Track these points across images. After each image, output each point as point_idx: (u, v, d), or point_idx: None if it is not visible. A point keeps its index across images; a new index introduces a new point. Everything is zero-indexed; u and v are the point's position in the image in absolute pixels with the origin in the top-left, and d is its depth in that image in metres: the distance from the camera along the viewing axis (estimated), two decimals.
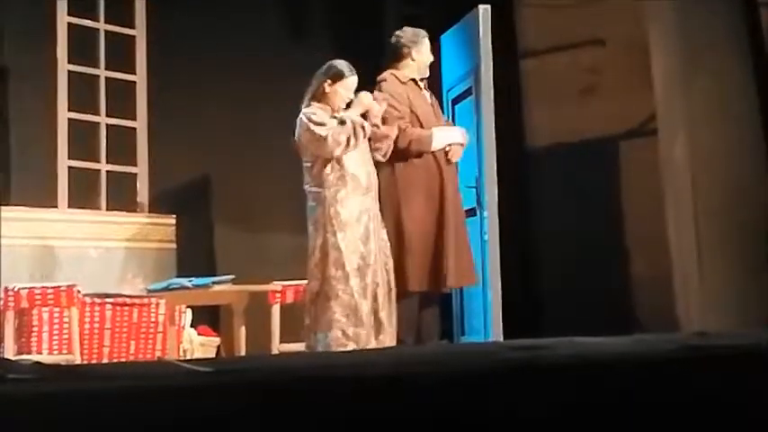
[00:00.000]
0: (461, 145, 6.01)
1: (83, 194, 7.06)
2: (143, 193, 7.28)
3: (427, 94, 6.13)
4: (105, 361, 6.29)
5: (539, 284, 7.55)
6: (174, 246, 7.16)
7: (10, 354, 5.64)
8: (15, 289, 5.79)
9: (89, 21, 7.17)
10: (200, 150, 7.39)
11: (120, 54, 7.28)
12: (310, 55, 7.46)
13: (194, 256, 7.32)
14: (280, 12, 7.98)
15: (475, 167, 6.63)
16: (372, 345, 5.38)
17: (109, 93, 7.21)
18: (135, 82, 7.33)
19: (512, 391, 2.34)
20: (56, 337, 6.16)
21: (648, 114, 6.57)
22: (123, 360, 6.33)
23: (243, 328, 6.00)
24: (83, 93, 7.10)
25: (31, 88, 6.96)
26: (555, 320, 7.09)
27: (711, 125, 5.48)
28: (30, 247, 6.61)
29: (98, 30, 7.22)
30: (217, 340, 6.98)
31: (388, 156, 5.74)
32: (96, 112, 7.17)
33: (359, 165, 5.55)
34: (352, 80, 5.59)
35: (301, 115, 5.56)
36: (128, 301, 6.53)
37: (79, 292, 5.91)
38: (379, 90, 5.87)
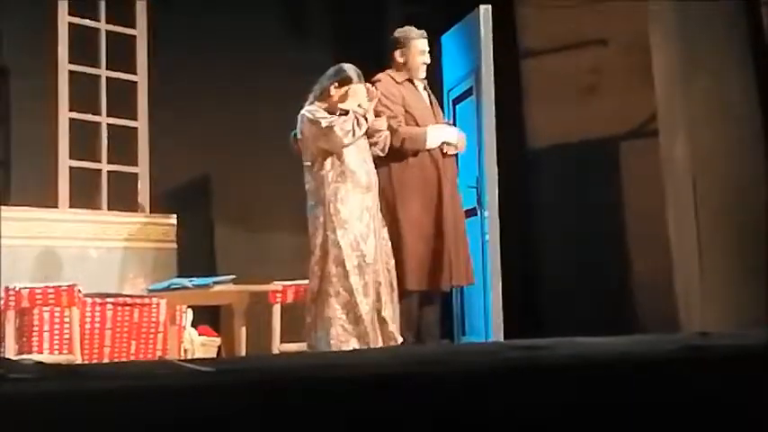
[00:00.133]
0: (455, 146, 6.01)
1: (84, 194, 7.06)
2: (144, 193, 7.29)
3: (425, 94, 6.13)
4: (106, 361, 6.29)
5: (539, 284, 7.54)
6: (174, 246, 7.16)
7: (11, 353, 5.64)
8: (16, 289, 5.79)
9: (90, 21, 7.17)
10: (200, 150, 7.40)
11: (121, 54, 7.28)
12: (311, 55, 7.49)
13: (195, 256, 7.33)
14: (280, 12, 7.98)
15: (475, 168, 6.63)
16: (374, 343, 5.39)
17: (110, 93, 7.21)
18: (136, 82, 7.34)
19: (512, 391, 2.34)
20: (56, 337, 6.16)
21: (649, 115, 6.57)
22: (124, 360, 6.33)
23: (243, 328, 6.01)
24: (84, 93, 7.10)
25: (31, 88, 6.96)
26: (555, 320, 7.09)
27: (712, 125, 5.47)
28: (30, 247, 6.61)
29: (99, 30, 7.22)
30: (217, 340, 6.99)
31: (386, 150, 5.75)
32: (97, 112, 7.17)
33: (358, 163, 5.57)
34: (359, 87, 5.61)
35: (304, 111, 5.59)
36: (128, 300, 6.53)
37: (80, 291, 5.91)
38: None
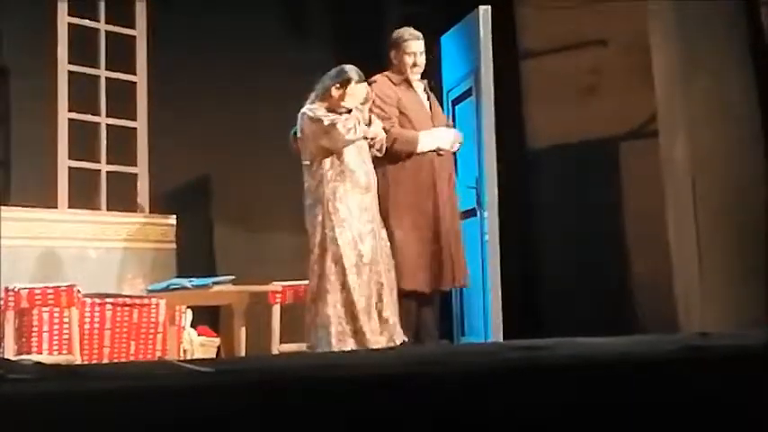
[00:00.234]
0: (449, 149, 6.02)
1: (83, 194, 7.06)
2: (143, 193, 7.28)
3: (424, 95, 6.13)
4: (105, 361, 6.29)
5: (539, 285, 7.54)
6: (173, 246, 7.16)
7: (10, 354, 5.64)
8: (15, 289, 5.79)
9: (90, 21, 7.17)
10: (200, 150, 7.40)
11: (121, 54, 7.28)
12: (310, 55, 7.49)
13: (194, 257, 7.32)
14: (280, 12, 7.98)
15: (475, 168, 6.63)
16: (374, 342, 5.39)
17: (109, 93, 7.21)
18: (135, 82, 7.33)
19: (512, 392, 2.34)
20: (56, 338, 6.16)
21: (649, 115, 6.57)
22: (123, 360, 6.33)
23: (243, 329, 6.01)
24: (83, 93, 7.10)
25: (31, 88, 6.96)
26: (555, 321, 7.09)
27: (712, 126, 5.48)
28: (30, 248, 6.61)
29: (98, 30, 7.22)
30: (217, 341, 6.98)
31: (383, 151, 5.76)
32: (96, 113, 7.16)
33: (358, 163, 5.59)
34: (360, 88, 5.63)
35: (305, 110, 5.61)
36: (128, 301, 6.53)
37: (79, 292, 5.91)
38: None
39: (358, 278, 5.45)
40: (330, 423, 2.16)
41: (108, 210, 7.11)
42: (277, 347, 6.08)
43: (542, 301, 7.48)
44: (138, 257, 7.02)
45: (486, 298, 6.49)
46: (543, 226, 7.58)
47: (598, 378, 2.46)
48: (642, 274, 7.01)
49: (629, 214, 7.21)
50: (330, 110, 5.60)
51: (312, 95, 5.68)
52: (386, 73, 6.06)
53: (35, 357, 5.50)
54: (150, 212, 7.23)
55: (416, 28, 6.16)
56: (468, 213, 6.63)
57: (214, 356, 6.77)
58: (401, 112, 5.96)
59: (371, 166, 5.68)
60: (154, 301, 6.50)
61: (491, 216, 6.48)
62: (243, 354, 5.97)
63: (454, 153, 6.19)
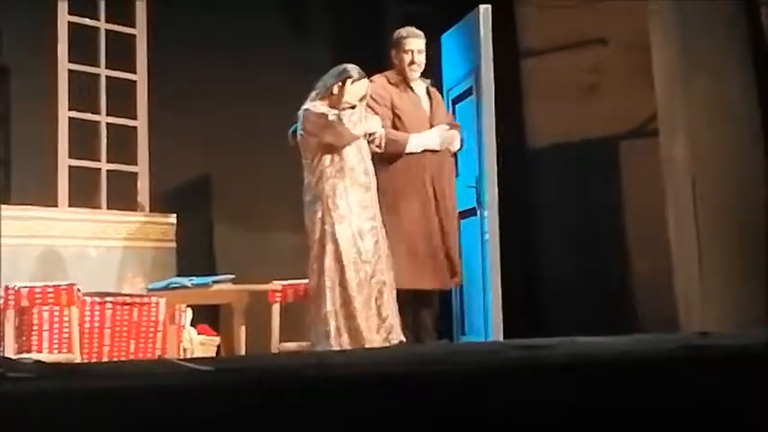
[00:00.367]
0: (440, 149, 6.02)
1: (83, 193, 7.06)
2: (143, 192, 7.28)
3: (424, 95, 6.13)
4: (105, 360, 6.29)
5: (539, 284, 7.55)
6: (174, 245, 7.16)
7: (10, 352, 5.64)
8: (15, 288, 5.79)
9: (90, 20, 7.17)
10: (200, 149, 7.40)
11: (121, 53, 7.28)
12: (311, 54, 7.49)
13: (194, 256, 7.32)
14: (280, 10, 7.98)
15: (475, 167, 6.63)
16: (370, 340, 5.39)
17: (109, 92, 7.21)
18: (135, 81, 7.33)
19: (512, 391, 2.34)
20: (56, 336, 6.16)
21: (649, 114, 6.57)
22: (123, 359, 6.33)
23: (243, 328, 6.01)
24: (83, 92, 7.09)
25: (31, 87, 6.95)
26: (555, 320, 7.09)
27: (712, 125, 5.48)
28: (30, 246, 6.60)
29: (99, 29, 7.22)
30: (217, 339, 6.98)
31: (382, 147, 5.76)
32: (97, 111, 7.16)
33: (357, 161, 5.60)
34: (360, 85, 5.64)
35: (307, 106, 5.61)
36: (128, 300, 6.52)
37: (79, 290, 5.90)
38: None
39: (356, 275, 5.45)
40: (330, 422, 2.16)
41: (108, 208, 7.11)
42: (277, 346, 6.08)
43: (542, 300, 7.48)
44: (139, 256, 7.02)
45: (486, 297, 6.49)
46: (543, 225, 7.58)
47: (598, 377, 2.46)
48: (642, 274, 7.01)
49: (629, 213, 7.22)
50: (332, 107, 5.61)
51: (313, 94, 5.69)
52: (385, 73, 6.09)
53: (35, 356, 5.50)
54: (150, 211, 7.23)
55: (417, 27, 6.18)
56: (469, 212, 6.63)
57: (214, 355, 6.77)
58: (394, 113, 5.99)
59: (371, 164, 5.69)
60: (154, 299, 6.50)
61: (491, 215, 6.48)
62: (243, 353, 5.97)
63: (455, 153, 6.19)
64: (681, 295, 5.68)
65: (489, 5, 6.63)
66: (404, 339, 5.58)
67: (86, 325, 6.28)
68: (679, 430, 2.38)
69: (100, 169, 7.15)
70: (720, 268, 5.41)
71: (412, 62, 6.06)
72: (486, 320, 6.50)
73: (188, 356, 6.40)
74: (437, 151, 6.00)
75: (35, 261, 6.60)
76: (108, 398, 2.15)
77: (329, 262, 5.45)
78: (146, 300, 6.53)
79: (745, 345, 3.02)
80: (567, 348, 3.30)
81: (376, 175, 5.80)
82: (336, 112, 5.55)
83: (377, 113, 5.87)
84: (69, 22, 7.03)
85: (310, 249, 5.54)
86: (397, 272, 5.71)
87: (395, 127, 5.96)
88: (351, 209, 5.52)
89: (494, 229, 6.48)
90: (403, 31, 6.12)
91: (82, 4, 7.11)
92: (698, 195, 5.49)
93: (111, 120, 7.20)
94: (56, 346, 6.15)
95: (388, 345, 5.42)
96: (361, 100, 5.70)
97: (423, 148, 5.96)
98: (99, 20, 7.22)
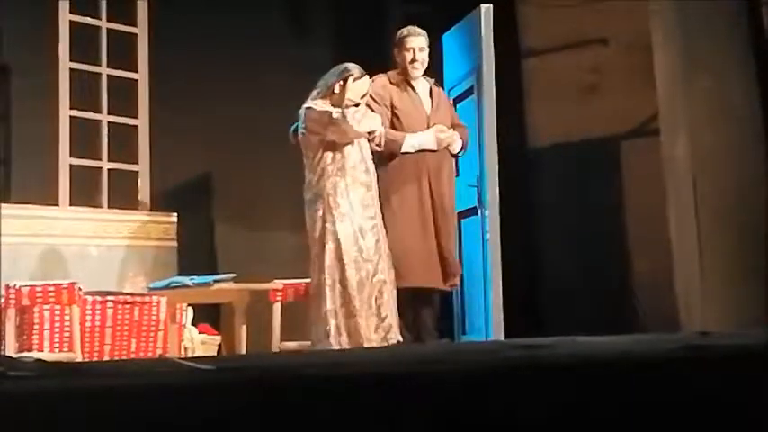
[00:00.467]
0: (437, 150, 6.02)
1: (84, 192, 7.06)
2: (144, 190, 7.29)
3: (425, 95, 6.13)
4: (106, 359, 6.29)
5: (540, 283, 7.55)
6: (175, 244, 7.16)
7: (11, 351, 5.64)
8: (16, 286, 5.79)
9: (91, 19, 7.17)
10: (201, 148, 7.40)
11: (122, 52, 7.28)
12: (312, 53, 7.49)
13: (195, 254, 7.33)
14: (281, 9, 7.98)
15: (476, 166, 6.63)
16: (367, 340, 5.39)
17: (110, 90, 7.21)
18: (137, 80, 7.34)
19: (512, 390, 2.34)
20: (57, 335, 6.16)
21: (650, 114, 6.57)
22: (124, 358, 6.33)
23: (244, 327, 6.01)
24: (84, 90, 7.10)
25: (32, 86, 6.96)
26: (556, 319, 7.09)
27: (713, 125, 5.48)
28: (31, 245, 6.61)
29: (100, 28, 7.22)
30: (218, 338, 6.99)
31: (382, 146, 5.76)
32: (98, 110, 7.17)
33: (358, 159, 5.60)
34: (361, 84, 5.64)
35: (310, 104, 5.61)
36: (129, 299, 6.53)
37: (80, 289, 5.91)
38: None
39: (357, 274, 5.45)
40: (331, 421, 2.16)
41: (109, 207, 7.12)
42: (278, 345, 6.08)
43: (543, 299, 7.48)
44: (140, 255, 7.02)
45: (487, 296, 6.49)
46: (544, 225, 7.58)
47: (598, 377, 2.46)
48: (643, 273, 7.01)
49: (630, 213, 7.22)
50: (334, 106, 5.61)
51: (314, 92, 5.69)
52: (388, 73, 6.11)
53: (36, 355, 5.51)
54: (151, 210, 7.23)
55: (418, 26, 6.18)
56: (470, 212, 6.64)
57: (215, 354, 6.77)
58: (393, 113, 6.00)
59: (372, 163, 5.69)
60: (155, 298, 6.51)
61: (492, 215, 6.48)
62: (244, 351, 5.97)
63: (457, 154, 6.19)
64: (681, 295, 5.68)
65: (490, 5, 6.63)
66: (401, 339, 5.58)
67: (87, 324, 6.28)
68: (679, 430, 2.38)
69: (101, 168, 7.15)
70: (721, 268, 5.41)
71: (413, 60, 6.07)
72: (486, 320, 6.50)
73: (189, 355, 6.40)
74: (435, 151, 6.00)
75: (36, 260, 6.61)
76: (109, 397, 2.15)
77: (330, 260, 5.45)
78: (147, 299, 6.53)
79: (745, 344, 3.03)
80: (567, 348, 3.30)
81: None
82: (340, 109, 5.55)
83: (374, 112, 5.87)
84: (71, 21, 7.03)
85: (311, 248, 5.54)
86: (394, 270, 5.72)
87: (393, 127, 5.98)
88: (352, 207, 5.52)
89: (495, 229, 6.48)
90: (405, 30, 6.15)
91: (83, 3, 7.11)
92: (699, 195, 5.49)
93: (113, 119, 7.20)
94: (57, 344, 6.15)
95: (386, 344, 5.42)
96: (362, 98, 5.71)
97: (418, 149, 5.97)
98: (100, 19, 7.22)
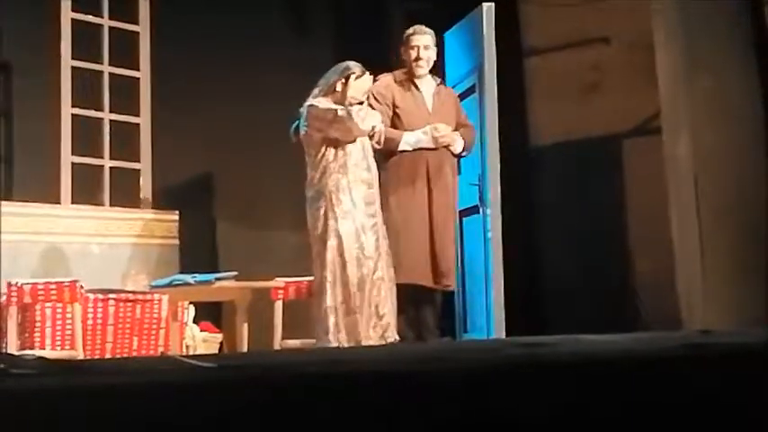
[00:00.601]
0: (434, 149, 6.02)
1: (86, 190, 7.06)
2: (146, 189, 7.29)
3: (426, 94, 6.13)
4: (108, 357, 6.30)
5: (541, 282, 7.54)
6: (176, 242, 7.17)
7: (13, 349, 5.65)
8: (18, 284, 5.79)
9: (93, 17, 7.18)
10: (203, 146, 7.40)
11: (124, 50, 7.28)
12: (313, 51, 7.49)
13: (197, 253, 7.33)
14: (283, 8, 7.98)
15: (478, 165, 6.63)
16: (365, 338, 5.40)
17: (112, 89, 7.22)
18: (138, 78, 7.34)
19: (513, 389, 2.34)
20: (59, 333, 6.17)
21: (652, 113, 6.57)
22: (126, 356, 6.34)
23: (245, 325, 6.01)
24: (86, 89, 7.10)
25: (34, 84, 6.96)
26: (557, 318, 7.09)
27: (715, 124, 5.48)
28: (33, 243, 6.61)
29: (102, 26, 7.23)
30: (219, 336, 6.99)
31: (381, 143, 5.77)
32: (100, 108, 7.17)
33: (360, 157, 5.60)
34: (362, 82, 5.64)
35: (313, 102, 5.60)
36: (131, 296, 6.53)
37: (82, 287, 5.91)
38: None
39: (358, 271, 5.45)
40: (332, 419, 2.17)
41: (111, 205, 7.12)
42: (279, 343, 6.08)
43: (544, 298, 7.48)
44: (141, 253, 7.02)
45: (488, 295, 6.50)
46: (546, 223, 7.58)
47: (599, 375, 2.46)
48: (644, 272, 7.01)
49: (631, 212, 7.21)
50: (337, 104, 5.61)
51: (316, 90, 5.69)
52: (394, 72, 6.14)
53: (38, 352, 5.51)
54: (153, 208, 7.23)
55: (419, 25, 6.18)
56: (471, 210, 6.64)
57: (216, 352, 6.78)
58: (394, 112, 6.01)
59: (373, 161, 5.70)
60: (156, 296, 6.51)
61: (494, 213, 6.49)
62: (245, 350, 5.97)
63: (460, 155, 6.19)
64: (683, 294, 5.68)
65: (492, 3, 6.63)
66: (398, 338, 5.58)
67: (89, 322, 6.28)
68: (680, 429, 2.38)
69: (103, 166, 7.15)
70: (722, 267, 5.41)
71: (418, 58, 6.08)
72: (488, 318, 6.50)
73: (191, 353, 6.41)
74: (435, 150, 6.00)
75: (38, 257, 6.61)
76: (110, 395, 2.15)
77: (331, 257, 5.45)
78: (148, 297, 6.54)
79: (746, 343, 3.03)
80: (568, 346, 3.30)
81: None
82: (344, 107, 5.55)
83: (375, 111, 5.88)
84: (72, 19, 7.04)
85: (312, 245, 5.54)
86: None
87: (394, 125, 5.98)
88: (354, 204, 5.52)
89: (496, 227, 6.48)
90: (411, 29, 6.16)
91: (85, 2, 7.12)
92: (700, 194, 5.48)
93: (114, 117, 7.21)
94: (58, 342, 6.16)
95: (383, 343, 5.42)
96: (364, 96, 5.71)
97: (414, 146, 5.97)
98: (102, 17, 7.23)
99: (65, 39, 7.00)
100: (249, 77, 7.54)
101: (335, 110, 5.54)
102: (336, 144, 5.56)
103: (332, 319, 5.40)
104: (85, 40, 7.12)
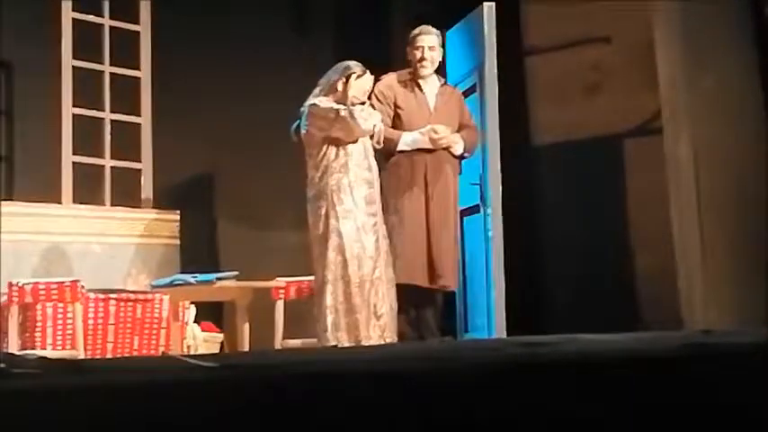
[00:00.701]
0: (434, 150, 6.02)
1: (87, 190, 7.07)
2: (147, 188, 7.29)
3: (429, 95, 6.13)
4: (109, 356, 6.30)
5: (542, 281, 7.54)
6: (177, 241, 7.17)
7: (14, 348, 5.66)
8: (19, 284, 5.80)
9: (94, 17, 7.18)
10: (204, 146, 7.40)
11: (125, 50, 7.29)
12: (314, 51, 7.50)
13: (198, 252, 7.33)
14: (284, 8, 7.98)
15: (479, 164, 6.63)
16: (365, 337, 5.40)
17: (113, 88, 7.22)
18: (139, 78, 7.34)
19: (514, 388, 2.34)
20: (60, 333, 6.17)
21: (653, 112, 6.57)
22: (127, 355, 6.34)
23: (246, 324, 6.02)
24: (87, 88, 7.11)
25: (35, 84, 6.97)
26: (558, 317, 7.09)
27: (716, 123, 5.48)
28: (34, 243, 6.62)
29: (103, 25, 7.23)
30: (220, 336, 7.00)
31: (381, 143, 5.77)
32: (101, 108, 7.18)
33: (362, 157, 5.61)
34: (363, 81, 5.64)
35: (315, 101, 5.60)
36: (131, 296, 6.54)
37: (83, 287, 5.92)
38: None
39: (359, 270, 5.45)
40: (333, 419, 2.17)
41: (112, 205, 7.12)
42: (280, 343, 6.09)
43: (545, 297, 7.48)
44: (142, 253, 7.03)
45: (489, 294, 6.50)
46: (547, 222, 7.57)
47: (600, 375, 2.46)
48: (646, 271, 7.01)
49: (632, 211, 7.21)
50: (338, 103, 5.61)
51: (317, 90, 5.69)
52: (398, 72, 6.15)
53: (39, 352, 5.52)
54: (154, 208, 7.24)
55: (420, 24, 6.19)
56: (472, 210, 6.64)
57: (217, 352, 6.78)
58: (396, 112, 6.02)
59: (374, 160, 5.70)
60: (157, 296, 6.52)
61: (495, 213, 6.49)
62: (246, 349, 5.97)
63: (461, 156, 6.18)
64: (684, 292, 5.68)
65: (493, 3, 6.63)
66: (396, 339, 5.58)
67: (90, 321, 6.29)
68: (680, 429, 2.38)
69: (104, 166, 7.16)
70: (724, 266, 5.41)
71: (422, 58, 6.09)
72: (489, 318, 6.50)
73: (191, 353, 6.41)
74: (434, 151, 6.00)
75: (39, 257, 6.62)
76: (111, 394, 2.15)
77: (332, 256, 5.46)
78: (149, 296, 6.54)
79: (747, 342, 3.03)
80: (568, 346, 3.30)
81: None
82: (346, 107, 5.54)
83: (375, 110, 5.88)
84: (73, 19, 7.04)
85: (313, 244, 5.54)
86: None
87: (395, 125, 5.99)
88: (356, 204, 5.52)
89: (497, 227, 6.48)
90: (417, 29, 6.17)
91: (86, 1, 7.13)
92: (701, 193, 5.48)
93: (115, 116, 7.21)
94: (59, 342, 6.16)
95: (382, 342, 5.43)
96: (365, 95, 5.71)
97: (412, 147, 5.97)
98: (103, 17, 7.23)
99: (65, 38, 7.00)
100: (249, 77, 7.54)
101: (337, 109, 5.54)
102: (338, 143, 5.57)
103: (330, 318, 5.40)
104: (86, 40, 7.13)
